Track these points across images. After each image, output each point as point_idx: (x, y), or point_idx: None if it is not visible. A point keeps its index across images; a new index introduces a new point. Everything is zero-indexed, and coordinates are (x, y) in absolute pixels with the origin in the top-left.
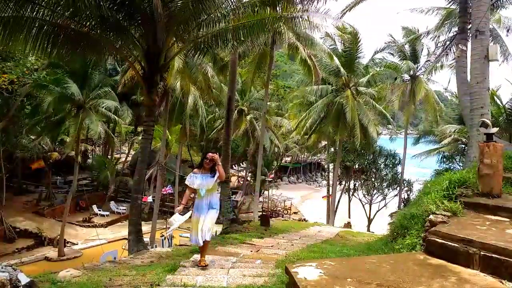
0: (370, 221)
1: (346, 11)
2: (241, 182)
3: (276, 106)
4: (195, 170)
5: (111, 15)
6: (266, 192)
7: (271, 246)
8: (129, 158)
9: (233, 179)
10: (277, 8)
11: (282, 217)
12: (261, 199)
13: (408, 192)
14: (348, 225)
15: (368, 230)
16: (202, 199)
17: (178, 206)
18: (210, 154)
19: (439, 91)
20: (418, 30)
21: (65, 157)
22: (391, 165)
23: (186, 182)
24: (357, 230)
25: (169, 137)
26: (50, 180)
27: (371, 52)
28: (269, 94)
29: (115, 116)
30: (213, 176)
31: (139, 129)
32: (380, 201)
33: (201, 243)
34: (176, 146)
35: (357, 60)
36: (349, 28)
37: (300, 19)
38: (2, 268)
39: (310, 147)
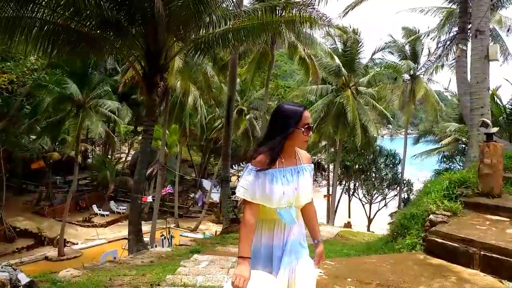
0: (370, 221)
1: (348, 10)
2: None
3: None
4: (259, 158)
5: (112, 15)
6: None
7: None
8: (129, 158)
9: (233, 179)
10: (277, 11)
11: None
12: None
13: (408, 192)
14: (348, 225)
15: (368, 230)
16: (282, 230)
17: (235, 264)
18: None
19: (439, 91)
20: (418, 30)
21: (65, 157)
22: (391, 165)
23: (243, 195)
24: (357, 230)
25: (168, 137)
26: (50, 180)
27: (370, 52)
28: (269, 93)
29: (115, 116)
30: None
31: (139, 129)
32: (380, 201)
33: None
34: (176, 145)
35: (358, 60)
36: (350, 27)
37: (303, 23)
38: (2, 267)
39: (310, 147)
